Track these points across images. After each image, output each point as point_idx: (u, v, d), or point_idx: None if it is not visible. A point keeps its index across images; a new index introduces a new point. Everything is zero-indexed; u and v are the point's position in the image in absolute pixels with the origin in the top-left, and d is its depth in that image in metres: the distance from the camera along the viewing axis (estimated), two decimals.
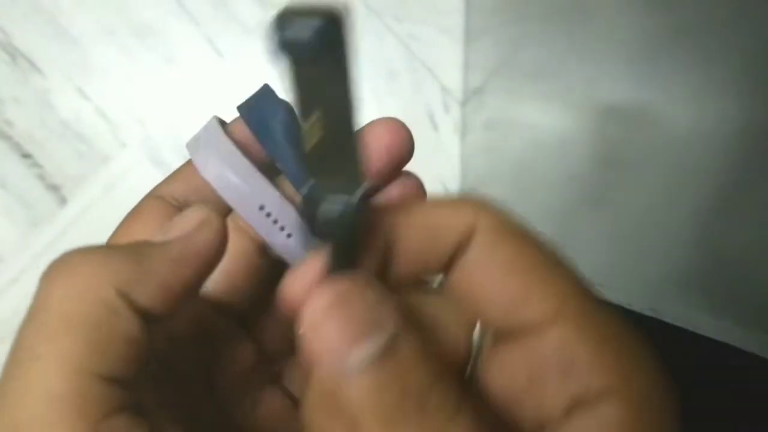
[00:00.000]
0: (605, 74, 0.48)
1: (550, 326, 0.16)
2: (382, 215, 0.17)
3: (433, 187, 0.39)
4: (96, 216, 0.21)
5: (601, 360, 0.16)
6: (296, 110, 0.14)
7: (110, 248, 0.16)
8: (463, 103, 0.78)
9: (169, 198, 0.21)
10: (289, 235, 0.21)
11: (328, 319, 0.14)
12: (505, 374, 0.17)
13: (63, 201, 0.78)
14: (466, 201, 0.18)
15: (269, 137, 0.22)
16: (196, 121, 0.26)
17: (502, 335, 0.18)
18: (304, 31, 0.12)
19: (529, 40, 0.60)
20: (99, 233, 0.24)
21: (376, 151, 0.20)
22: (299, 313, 0.15)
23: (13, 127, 0.78)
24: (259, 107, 0.23)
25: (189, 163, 0.23)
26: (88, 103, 0.79)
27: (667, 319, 0.20)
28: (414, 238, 0.17)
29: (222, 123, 0.24)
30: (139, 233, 0.20)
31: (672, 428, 0.15)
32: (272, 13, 0.12)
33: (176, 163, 0.45)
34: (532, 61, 0.59)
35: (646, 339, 0.17)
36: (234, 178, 0.21)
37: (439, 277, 0.20)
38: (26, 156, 0.78)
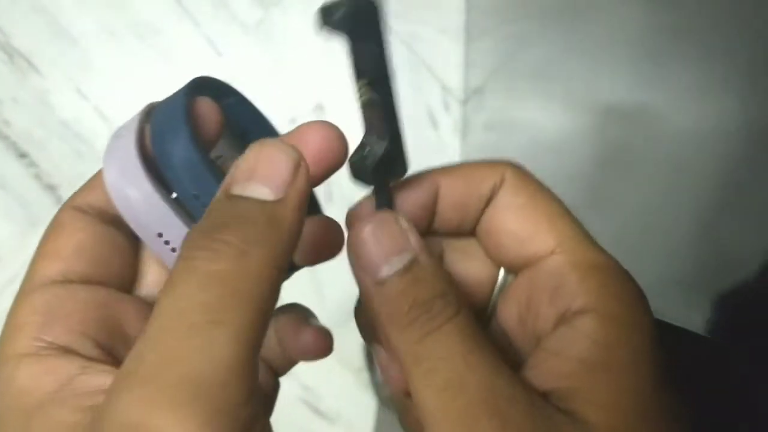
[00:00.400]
0: (605, 74, 0.48)
1: (549, 257, 0.20)
2: (425, 174, 0.22)
3: None
4: None
5: (585, 285, 0.19)
6: (352, 75, 0.18)
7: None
8: (464, 103, 0.78)
9: (86, 207, 0.21)
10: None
11: (364, 242, 0.19)
12: (513, 300, 0.21)
13: (59, 201, 0.78)
14: (497, 161, 0.22)
15: (164, 154, 0.20)
16: None
17: (515, 269, 0.21)
18: (338, 13, 0.17)
19: (529, 40, 0.60)
20: None
21: (306, 156, 0.21)
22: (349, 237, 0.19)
23: (11, 127, 0.78)
24: (165, 117, 0.20)
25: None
26: (86, 103, 0.79)
27: (667, 319, 0.20)
28: (455, 189, 0.21)
29: (149, 114, 0.21)
30: (66, 247, 0.20)
31: (644, 344, 0.18)
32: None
33: None
34: (532, 61, 0.59)
35: None
36: (133, 197, 0.19)
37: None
38: (23, 155, 0.78)
